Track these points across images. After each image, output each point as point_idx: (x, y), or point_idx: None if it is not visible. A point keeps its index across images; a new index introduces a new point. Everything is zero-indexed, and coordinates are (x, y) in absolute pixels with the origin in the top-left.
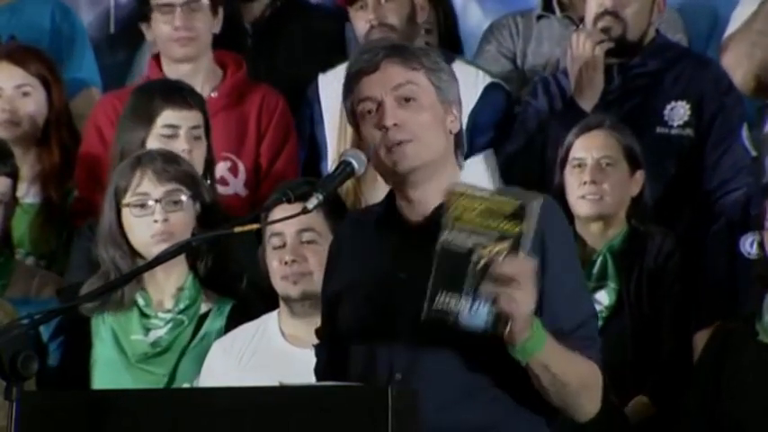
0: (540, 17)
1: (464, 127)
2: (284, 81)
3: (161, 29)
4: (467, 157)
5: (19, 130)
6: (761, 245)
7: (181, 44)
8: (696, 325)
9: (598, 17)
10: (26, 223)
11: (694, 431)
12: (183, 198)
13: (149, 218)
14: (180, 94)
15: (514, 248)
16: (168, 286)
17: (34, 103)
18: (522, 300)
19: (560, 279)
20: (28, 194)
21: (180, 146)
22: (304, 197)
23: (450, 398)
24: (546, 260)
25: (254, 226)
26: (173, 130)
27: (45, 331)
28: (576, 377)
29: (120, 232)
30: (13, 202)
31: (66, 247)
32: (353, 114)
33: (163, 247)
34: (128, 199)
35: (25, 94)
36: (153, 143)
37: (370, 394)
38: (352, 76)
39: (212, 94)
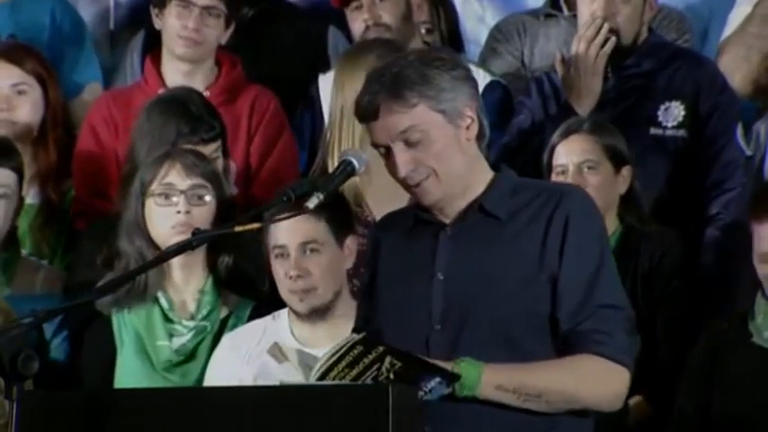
0: (547, 16)
1: None
2: (266, 81)
3: (172, 22)
4: None
5: (16, 129)
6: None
7: (186, 44)
8: (697, 330)
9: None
10: (26, 224)
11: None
12: (208, 196)
13: (172, 208)
14: (201, 129)
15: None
16: (189, 289)
17: (31, 102)
18: None
19: (571, 273)
20: (27, 195)
21: None
22: (305, 197)
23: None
24: (564, 248)
25: (255, 225)
26: None
27: (48, 327)
28: (546, 383)
29: (144, 224)
30: (19, 198)
31: (67, 248)
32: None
33: (183, 238)
34: (153, 188)
35: (21, 93)
36: None
37: (371, 393)
38: (358, 118)
39: (205, 93)
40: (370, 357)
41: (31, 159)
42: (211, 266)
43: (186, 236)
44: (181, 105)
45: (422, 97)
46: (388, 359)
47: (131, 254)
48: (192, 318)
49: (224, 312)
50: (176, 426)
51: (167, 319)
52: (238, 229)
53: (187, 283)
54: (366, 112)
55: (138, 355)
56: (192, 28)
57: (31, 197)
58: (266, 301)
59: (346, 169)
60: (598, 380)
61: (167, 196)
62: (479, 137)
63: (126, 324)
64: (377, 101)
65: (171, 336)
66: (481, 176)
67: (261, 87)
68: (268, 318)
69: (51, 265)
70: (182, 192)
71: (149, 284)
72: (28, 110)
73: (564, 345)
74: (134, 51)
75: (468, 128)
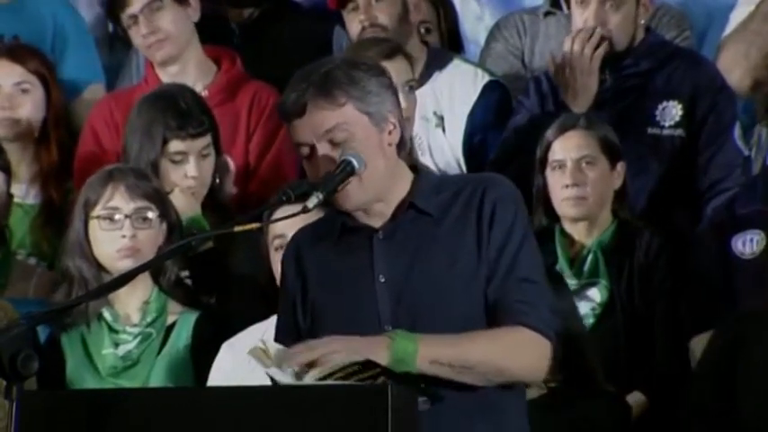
0: (547, 14)
1: (463, 125)
2: (271, 82)
3: (135, 40)
4: (469, 157)
5: (18, 128)
6: None
7: (156, 48)
8: (693, 329)
9: None
10: (27, 224)
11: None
12: (152, 216)
13: (117, 232)
14: (188, 124)
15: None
16: (133, 301)
17: (33, 101)
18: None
19: (497, 248)
20: (28, 195)
21: (190, 171)
22: (305, 197)
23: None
24: (492, 230)
25: (254, 225)
26: (182, 156)
27: (42, 333)
28: (479, 355)
29: (88, 244)
30: (7, 197)
31: None
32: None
33: (128, 262)
34: (97, 211)
35: (24, 92)
36: (164, 164)
37: (370, 394)
38: (282, 116)
39: (203, 93)
40: (367, 374)
41: (32, 159)
42: (155, 280)
43: (131, 260)
44: (169, 100)
45: (350, 97)
46: (382, 378)
47: (73, 272)
48: (137, 325)
49: (170, 320)
50: (176, 426)
51: (112, 330)
52: (238, 228)
53: (132, 296)
54: (292, 108)
55: (86, 364)
56: (145, 33)
57: (33, 197)
58: (213, 311)
59: (346, 169)
60: (524, 350)
61: (112, 219)
62: (400, 145)
63: (71, 339)
64: (304, 98)
65: (117, 344)
66: (403, 179)
67: (261, 83)
68: (268, 320)
69: (53, 266)
70: (126, 216)
71: (89, 305)
72: (30, 109)
73: (491, 316)
74: (139, 52)
75: (390, 133)
